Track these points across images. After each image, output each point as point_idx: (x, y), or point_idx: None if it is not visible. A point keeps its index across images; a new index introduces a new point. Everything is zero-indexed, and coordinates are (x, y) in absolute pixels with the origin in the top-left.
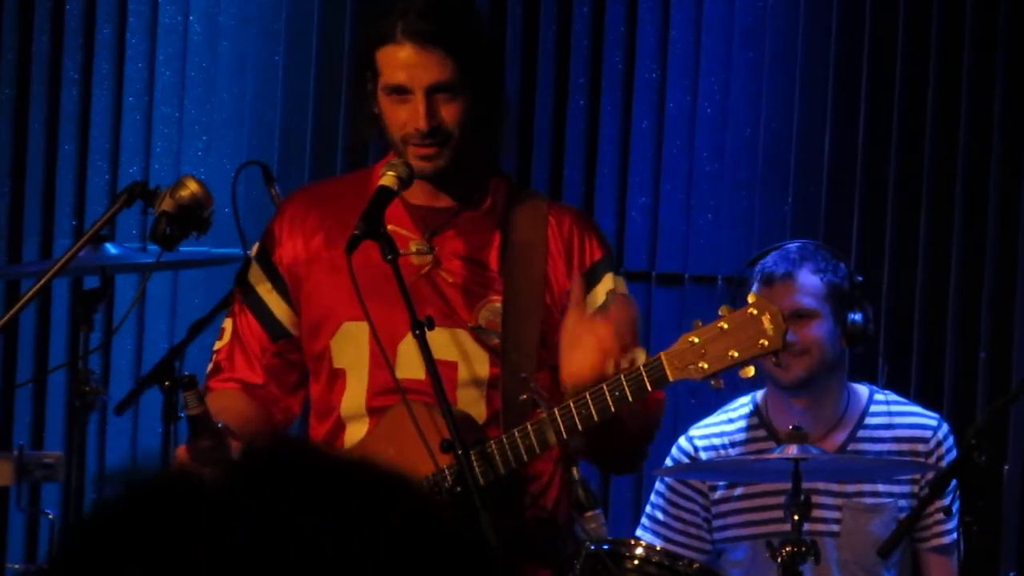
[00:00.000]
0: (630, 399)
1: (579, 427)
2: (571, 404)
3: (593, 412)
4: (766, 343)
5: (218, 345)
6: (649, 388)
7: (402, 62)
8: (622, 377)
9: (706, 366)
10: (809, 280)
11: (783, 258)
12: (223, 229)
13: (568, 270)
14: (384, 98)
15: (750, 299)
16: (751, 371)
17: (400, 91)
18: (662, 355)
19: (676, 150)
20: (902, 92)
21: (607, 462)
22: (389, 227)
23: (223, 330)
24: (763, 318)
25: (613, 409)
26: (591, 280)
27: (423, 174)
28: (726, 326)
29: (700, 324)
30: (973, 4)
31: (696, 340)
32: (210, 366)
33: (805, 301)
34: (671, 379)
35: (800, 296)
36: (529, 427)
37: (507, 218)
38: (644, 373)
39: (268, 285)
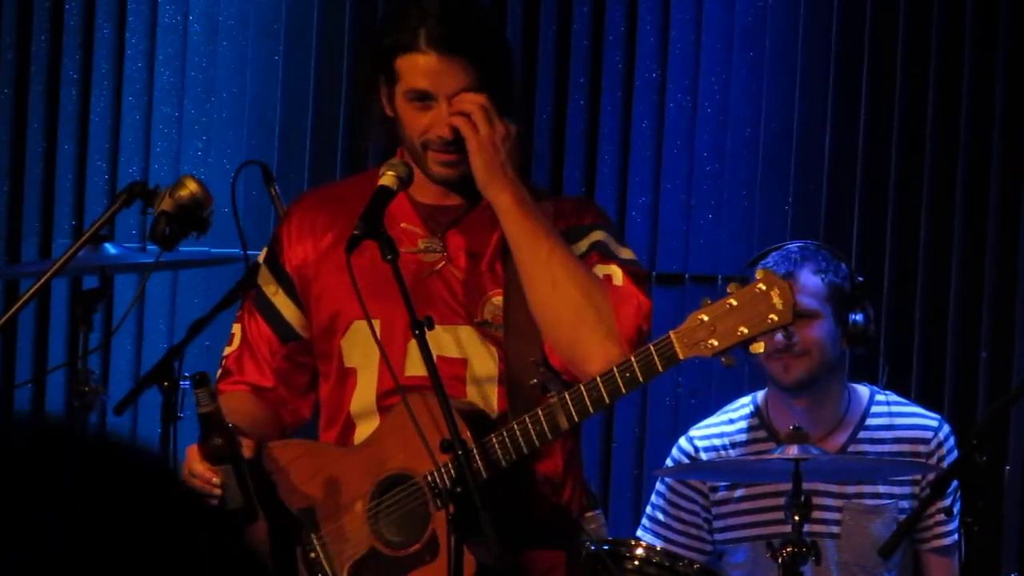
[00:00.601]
0: (641, 380)
1: (590, 410)
2: (582, 387)
3: (604, 394)
4: (776, 318)
5: (227, 351)
6: (660, 368)
7: (425, 70)
8: (632, 359)
9: (716, 343)
10: (810, 281)
11: (784, 258)
12: (223, 229)
13: None
14: (404, 104)
15: (758, 274)
16: (761, 347)
17: (423, 97)
18: (671, 333)
19: (676, 150)
20: (902, 92)
21: None
22: (401, 225)
23: (232, 336)
24: (772, 293)
25: (625, 391)
26: (572, 236)
27: (443, 180)
28: (735, 302)
29: (709, 302)
30: (973, 4)
31: (705, 318)
32: (219, 371)
33: (806, 302)
34: (681, 357)
35: (801, 297)
36: (540, 412)
37: None
38: (654, 353)
39: (277, 288)
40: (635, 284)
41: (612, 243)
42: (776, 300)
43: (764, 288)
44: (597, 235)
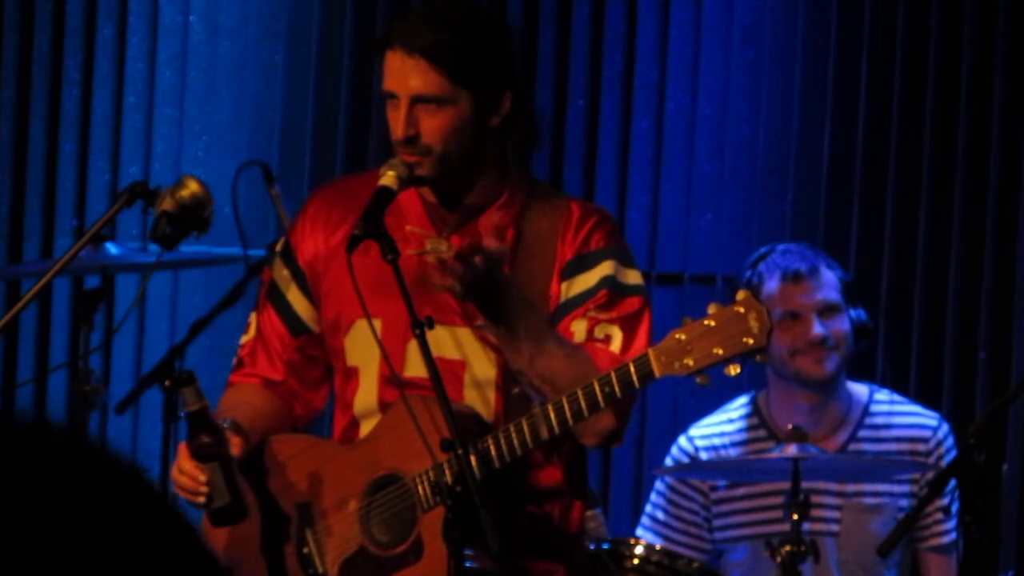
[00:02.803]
0: (619, 395)
1: (570, 421)
2: (564, 400)
3: (583, 407)
4: (751, 341)
5: (243, 339)
6: (637, 384)
7: (391, 69)
8: (612, 373)
9: (691, 363)
10: (829, 275)
11: (800, 256)
12: (223, 229)
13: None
14: (385, 102)
15: (739, 296)
16: (736, 369)
17: (390, 96)
18: (650, 351)
19: (676, 150)
20: (902, 92)
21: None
22: (406, 228)
23: (249, 324)
24: (749, 316)
25: (603, 404)
26: (582, 266)
27: (416, 181)
28: (713, 323)
29: (689, 321)
30: (973, 3)
31: (683, 337)
32: (235, 360)
33: (833, 296)
34: (658, 375)
35: (829, 291)
36: (523, 422)
37: (524, 215)
38: (632, 369)
39: (290, 281)
40: (633, 339)
41: (620, 270)
42: (753, 323)
43: (742, 311)
44: (606, 267)
